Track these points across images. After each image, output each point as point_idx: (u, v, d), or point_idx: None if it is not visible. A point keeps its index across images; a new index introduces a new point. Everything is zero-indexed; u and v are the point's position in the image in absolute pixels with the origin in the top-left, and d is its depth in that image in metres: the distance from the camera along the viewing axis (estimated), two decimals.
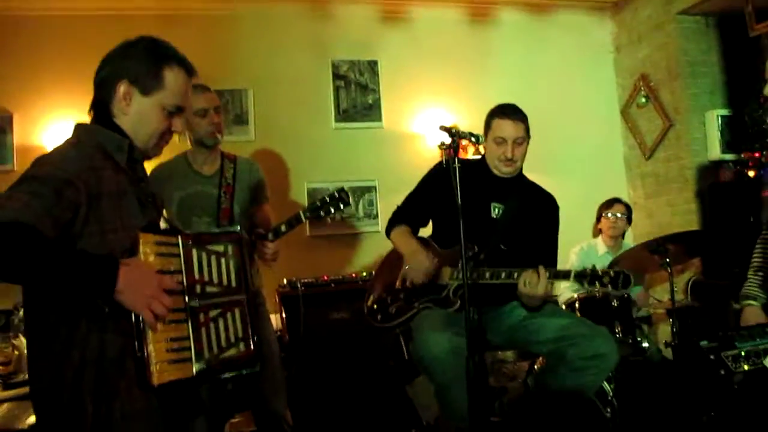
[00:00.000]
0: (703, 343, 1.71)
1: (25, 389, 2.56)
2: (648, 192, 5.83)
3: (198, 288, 1.94)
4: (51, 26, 4.95)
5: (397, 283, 3.31)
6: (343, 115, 5.52)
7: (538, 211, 3.32)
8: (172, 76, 2.00)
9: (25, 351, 2.44)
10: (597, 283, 2.77)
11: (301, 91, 5.45)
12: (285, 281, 4.64)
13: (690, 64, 5.40)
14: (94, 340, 1.80)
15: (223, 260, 2.04)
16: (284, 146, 5.31)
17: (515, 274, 2.95)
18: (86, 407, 1.77)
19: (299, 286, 4.58)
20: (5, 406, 3.03)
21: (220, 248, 2.04)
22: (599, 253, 4.88)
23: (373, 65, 5.61)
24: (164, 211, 2.56)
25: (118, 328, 1.80)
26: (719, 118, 5.26)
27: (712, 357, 1.67)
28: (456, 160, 2.70)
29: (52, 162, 1.84)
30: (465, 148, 4.76)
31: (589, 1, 6.07)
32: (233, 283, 2.05)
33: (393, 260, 3.43)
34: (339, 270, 5.09)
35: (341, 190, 3.19)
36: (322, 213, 3.19)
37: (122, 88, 1.96)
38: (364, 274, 4.72)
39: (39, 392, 1.86)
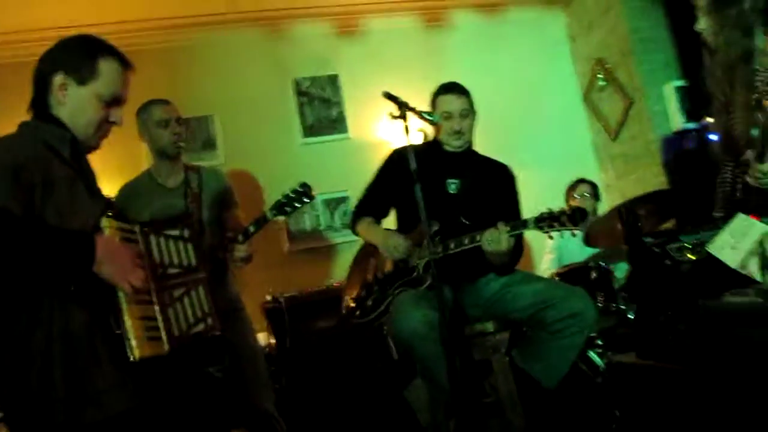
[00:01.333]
0: (648, 239, 1.75)
1: None
2: (619, 172, 5.90)
3: (160, 270, 2.00)
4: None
5: (369, 277, 3.34)
6: (310, 130, 5.60)
7: (494, 182, 3.35)
8: (106, 67, 2.06)
9: None
10: (556, 223, 2.79)
11: (266, 111, 5.54)
12: (269, 297, 4.64)
13: (642, 42, 5.53)
14: (58, 318, 1.82)
15: (180, 243, 2.11)
16: (254, 165, 5.36)
17: (478, 237, 2.97)
18: (57, 388, 1.78)
19: (282, 300, 4.59)
20: None
21: (176, 232, 2.12)
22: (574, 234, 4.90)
23: (334, 79, 5.71)
24: None
25: (82, 305, 1.82)
26: (676, 89, 5.36)
27: (657, 250, 1.71)
28: (406, 128, 2.74)
29: (1, 150, 1.88)
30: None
31: None
32: (193, 263, 2.12)
33: (362, 259, 3.47)
34: (321, 282, 5.10)
35: (303, 185, 3.18)
36: (287, 209, 3.18)
37: (58, 79, 2.01)
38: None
39: (4, 379, 1.84)
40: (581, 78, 6.23)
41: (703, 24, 2.68)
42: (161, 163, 3.34)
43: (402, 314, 2.90)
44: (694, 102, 5.28)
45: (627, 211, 1.79)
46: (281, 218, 3.24)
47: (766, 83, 2.07)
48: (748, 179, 2.23)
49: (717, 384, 1.34)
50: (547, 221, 2.83)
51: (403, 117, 2.74)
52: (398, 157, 3.41)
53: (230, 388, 3.10)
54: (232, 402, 3.09)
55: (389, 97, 2.74)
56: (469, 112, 3.29)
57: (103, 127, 2.10)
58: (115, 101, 2.09)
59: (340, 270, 5.35)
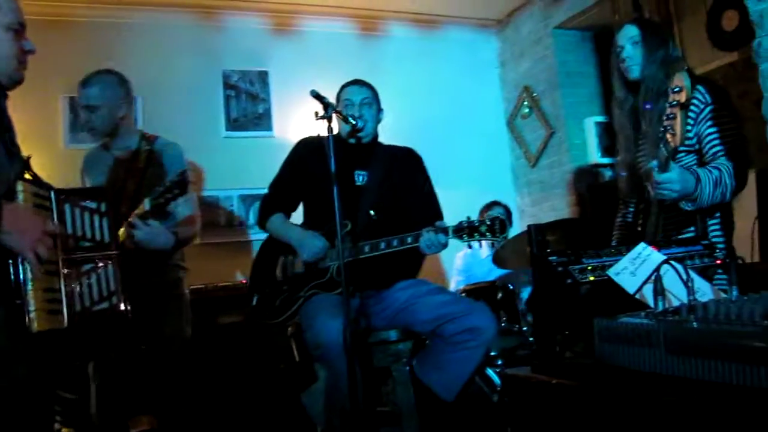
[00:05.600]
0: (553, 258, 1.80)
1: None
2: (534, 199, 6.05)
3: (70, 242, 1.95)
4: None
5: (278, 274, 3.29)
6: (234, 124, 5.52)
7: (403, 170, 3.36)
8: None
9: None
10: (476, 234, 2.83)
11: (191, 100, 5.43)
12: None
13: (568, 75, 5.71)
14: None
15: (96, 216, 2.05)
16: None
17: (395, 242, 2.98)
18: None
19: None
20: None
21: (94, 205, 2.06)
22: (483, 256, 4.99)
23: (263, 75, 5.66)
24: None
25: None
26: (596, 124, 5.55)
27: (560, 269, 1.75)
28: (330, 128, 2.75)
29: None
30: None
31: (475, 19, 6.32)
32: (106, 239, 2.06)
33: (269, 253, 3.40)
34: (230, 278, 5.03)
35: (183, 172, 2.99)
36: (161, 200, 2.98)
37: None
38: None
39: None
40: (507, 103, 6.37)
41: (628, 53, 2.77)
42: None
43: (318, 323, 2.86)
44: (611, 138, 5.45)
45: (536, 228, 1.84)
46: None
47: (668, 118, 2.17)
48: (649, 188, 2.33)
49: (611, 400, 1.37)
50: (467, 230, 2.86)
51: (328, 118, 2.76)
52: (305, 148, 3.39)
53: (142, 373, 3.03)
54: (142, 387, 3.02)
55: (317, 96, 2.75)
56: (372, 103, 3.28)
57: (20, 58, 2.04)
58: (22, 27, 2.03)
59: (250, 267, 5.28)
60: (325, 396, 3.23)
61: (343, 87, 3.34)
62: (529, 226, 1.91)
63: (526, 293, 4.65)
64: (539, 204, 5.97)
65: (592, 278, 1.77)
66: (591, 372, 1.48)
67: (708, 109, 2.54)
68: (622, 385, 1.36)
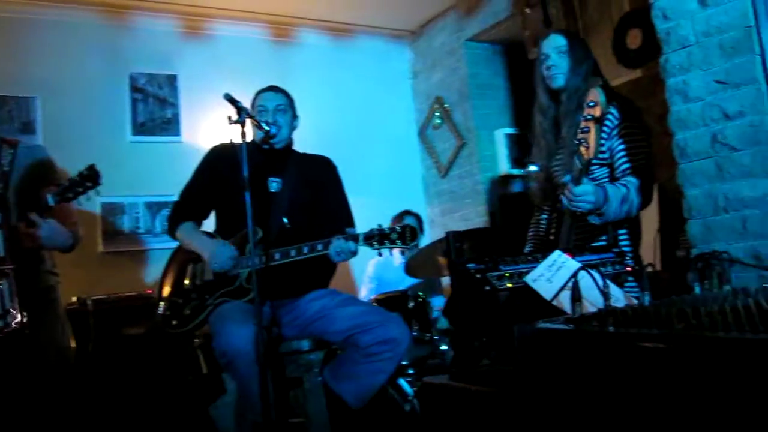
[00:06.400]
0: (471, 265, 1.80)
1: None
2: (444, 209, 6.11)
3: None
4: None
5: (187, 282, 3.20)
6: (141, 128, 5.34)
7: (317, 178, 3.34)
8: None
9: None
10: (386, 241, 2.82)
11: (95, 102, 5.22)
12: (74, 299, 4.34)
13: (479, 87, 5.81)
14: None
15: None
16: (76, 157, 4.89)
17: (305, 249, 2.94)
18: None
19: (89, 302, 4.31)
20: None
21: None
22: (395, 264, 5.00)
23: (172, 79, 5.50)
24: None
25: None
26: (506, 136, 5.65)
27: (478, 276, 1.75)
28: (243, 133, 2.70)
29: None
30: None
31: (389, 29, 6.34)
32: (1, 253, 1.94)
33: (178, 261, 3.32)
34: (135, 287, 4.84)
35: (90, 168, 2.86)
36: (69, 195, 2.86)
37: None
38: None
39: None
40: (419, 113, 6.42)
41: (553, 61, 2.81)
42: None
43: (230, 328, 2.80)
44: (521, 149, 5.58)
45: (454, 235, 1.84)
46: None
47: (583, 131, 2.21)
48: (563, 199, 2.37)
49: (532, 406, 1.37)
50: (377, 237, 2.85)
51: (241, 122, 2.72)
52: (218, 155, 3.32)
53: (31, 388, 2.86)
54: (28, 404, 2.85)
55: (230, 100, 2.70)
56: (287, 110, 3.25)
57: None
58: None
59: (157, 276, 5.09)
60: (236, 407, 3.16)
61: (258, 93, 3.30)
62: (447, 233, 1.91)
63: (436, 302, 4.69)
64: (449, 214, 6.03)
65: (509, 285, 1.78)
66: (511, 378, 1.48)
67: (619, 125, 2.61)
68: (544, 391, 1.36)
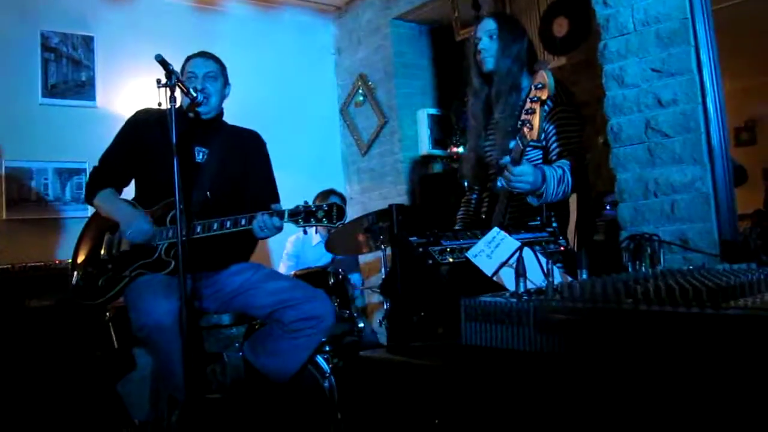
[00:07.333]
0: (413, 239, 1.79)
1: None
2: (364, 187, 6.09)
3: None
4: None
5: (102, 252, 3.08)
6: (52, 90, 5.05)
7: (245, 151, 3.29)
8: None
9: None
10: (312, 219, 2.78)
11: (2, 61, 4.90)
12: None
13: (404, 66, 5.78)
14: None
15: None
16: None
17: (228, 224, 2.87)
18: None
19: None
20: None
21: None
22: (314, 243, 4.97)
23: (88, 41, 5.22)
24: None
25: None
26: (429, 116, 5.66)
27: (420, 250, 1.75)
28: (173, 98, 2.61)
29: None
30: None
31: (314, 2, 6.23)
32: None
33: (95, 229, 3.19)
34: (42, 257, 4.62)
35: None
36: None
37: None
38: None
39: None
40: (341, 90, 6.35)
41: (484, 45, 2.83)
42: None
43: (146, 303, 2.72)
44: (443, 130, 5.61)
45: (397, 207, 1.82)
46: None
47: (527, 113, 2.23)
48: (500, 180, 2.40)
49: (477, 379, 1.38)
50: (303, 215, 2.80)
51: (171, 87, 2.64)
52: (142, 119, 3.20)
53: None
54: None
55: (162, 62, 2.60)
56: (218, 77, 3.18)
57: None
58: None
59: (66, 247, 4.88)
60: (151, 383, 3.07)
61: (188, 58, 3.21)
62: (390, 205, 1.89)
63: (354, 279, 4.68)
64: (369, 192, 6.02)
65: (451, 260, 1.79)
66: (455, 352, 1.48)
67: (553, 108, 2.66)
68: (489, 364, 1.36)
